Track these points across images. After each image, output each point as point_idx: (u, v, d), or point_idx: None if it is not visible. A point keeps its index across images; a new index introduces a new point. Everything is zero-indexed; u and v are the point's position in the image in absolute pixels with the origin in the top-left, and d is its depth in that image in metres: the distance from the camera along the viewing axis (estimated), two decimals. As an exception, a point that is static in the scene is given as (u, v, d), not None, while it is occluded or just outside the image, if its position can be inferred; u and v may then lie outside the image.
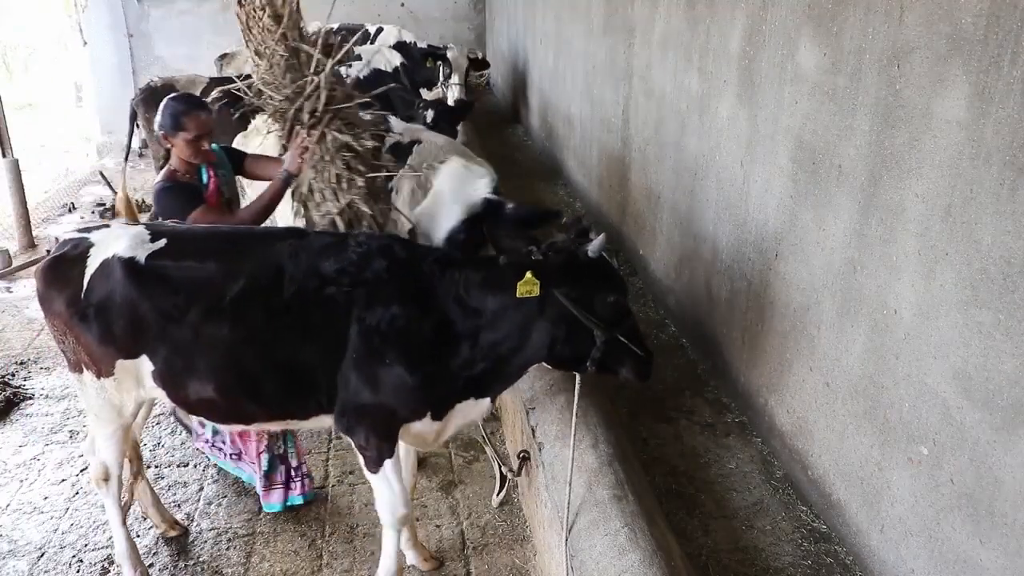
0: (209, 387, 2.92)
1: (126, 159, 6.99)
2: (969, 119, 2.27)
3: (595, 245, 2.72)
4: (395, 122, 4.75)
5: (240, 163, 3.86)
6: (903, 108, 2.56)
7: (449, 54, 8.47)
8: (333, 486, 4.08)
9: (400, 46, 8.78)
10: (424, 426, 2.98)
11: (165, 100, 3.51)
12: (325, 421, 3.03)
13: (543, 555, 3.35)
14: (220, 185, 3.61)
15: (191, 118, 3.42)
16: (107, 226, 3.16)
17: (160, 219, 3.43)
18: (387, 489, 3.00)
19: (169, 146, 3.47)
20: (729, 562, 3.08)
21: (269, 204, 3.55)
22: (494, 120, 11.17)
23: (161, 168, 3.60)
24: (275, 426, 3.46)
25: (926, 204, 2.48)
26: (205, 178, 3.58)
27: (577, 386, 2.99)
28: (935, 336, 2.48)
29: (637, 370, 2.87)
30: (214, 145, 3.63)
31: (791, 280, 3.36)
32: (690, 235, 4.53)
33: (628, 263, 5.76)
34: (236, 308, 2.86)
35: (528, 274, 2.69)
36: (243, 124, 5.19)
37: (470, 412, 3.06)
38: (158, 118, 3.47)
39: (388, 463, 2.96)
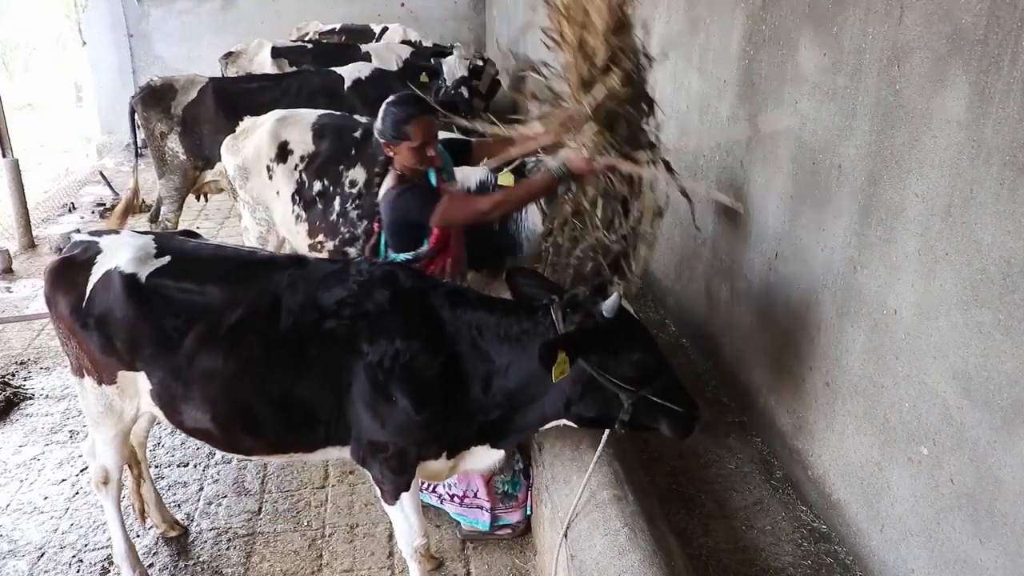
0: (206, 417, 2.85)
1: (136, 159, 6.94)
2: (969, 119, 2.27)
3: (609, 305, 2.54)
4: None
5: (466, 152, 3.53)
6: (903, 108, 2.56)
7: (455, 52, 8.44)
8: (333, 486, 4.08)
9: (406, 44, 8.77)
10: (439, 464, 2.92)
11: (385, 106, 3.21)
12: (333, 454, 2.97)
13: (543, 555, 3.36)
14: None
15: (415, 125, 3.11)
16: (117, 232, 3.13)
17: (389, 228, 3.23)
18: (404, 521, 2.97)
19: (392, 155, 3.21)
20: (729, 562, 3.08)
21: (531, 196, 3.24)
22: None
23: (380, 176, 3.32)
24: (279, 459, 3.37)
25: (926, 204, 2.48)
26: (434, 183, 3.31)
27: (603, 439, 2.87)
28: (935, 336, 2.48)
29: (675, 428, 2.66)
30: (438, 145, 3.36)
31: (791, 280, 3.36)
32: (690, 235, 4.53)
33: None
34: (232, 338, 2.78)
35: (560, 355, 2.49)
36: (234, 124, 5.12)
37: (483, 459, 2.96)
38: (378, 124, 3.19)
39: (405, 496, 2.92)
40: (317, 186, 4.50)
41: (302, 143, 4.61)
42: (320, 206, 4.50)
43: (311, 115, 4.75)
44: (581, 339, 2.56)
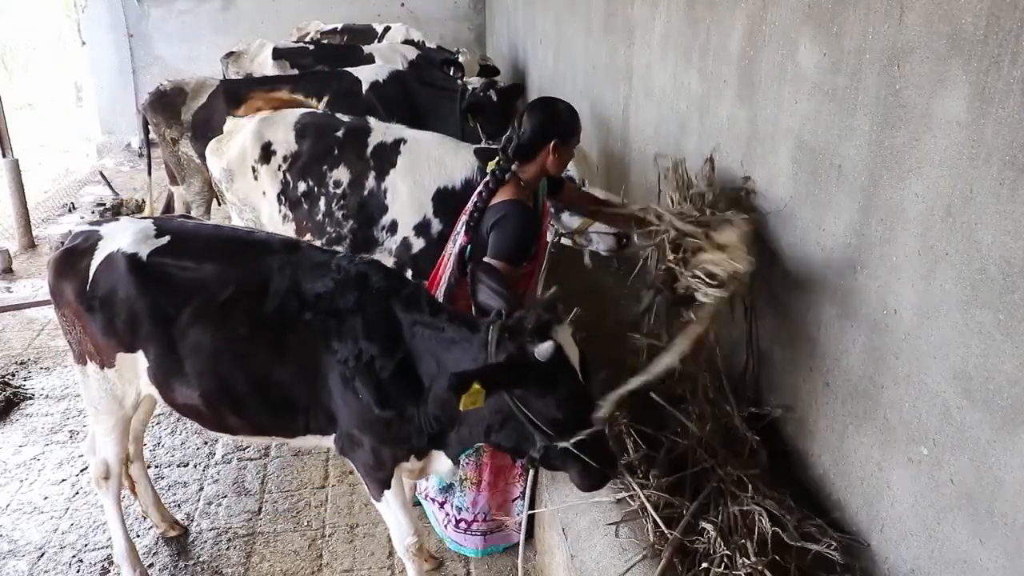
0: (194, 393, 2.92)
1: (149, 173, 6.90)
2: (969, 119, 2.27)
3: (543, 350, 2.46)
4: (374, 122, 4.69)
5: (558, 186, 3.54)
6: (903, 108, 2.56)
7: (461, 58, 8.48)
8: (333, 486, 4.08)
9: (409, 44, 8.76)
10: (410, 464, 2.95)
11: (555, 105, 3.22)
12: (312, 441, 3.01)
13: (543, 555, 3.36)
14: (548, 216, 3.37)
15: (579, 125, 3.15)
16: (116, 219, 3.21)
17: (492, 235, 3.16)
18: (393, 519, 3.01)
19: (552, 156, 3.14)
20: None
21: None
22: (494, 120, 11.15)
23: (492, 186, 3.24)
24: (262, 440, 3.39)
25: (926, 204, 2.48)
26: (540, 201, 3.31)
27: (529, 480, 2.88)
28: (935, 336, 2.48)
29: (582, 479, 2.64)
30: None
31: (791, 280, 3.36)
32: (690, 235, 4.52)
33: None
34: (222, 315, 2.84)
35: (475, 386, 2.41)
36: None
37: (440, 464, 2.97)
38: (549, 122, 3.13)
39: (388, 493, 2.95)
40: (302, 186, 4.52)
41: (285, 143, 4.61)
42: (306, 206, 4.53)
43: (293, 114, 4.77)
44: (504, 375, 2.50)
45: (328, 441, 2.98)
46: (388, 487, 2.95)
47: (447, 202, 4.19)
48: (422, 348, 2.76)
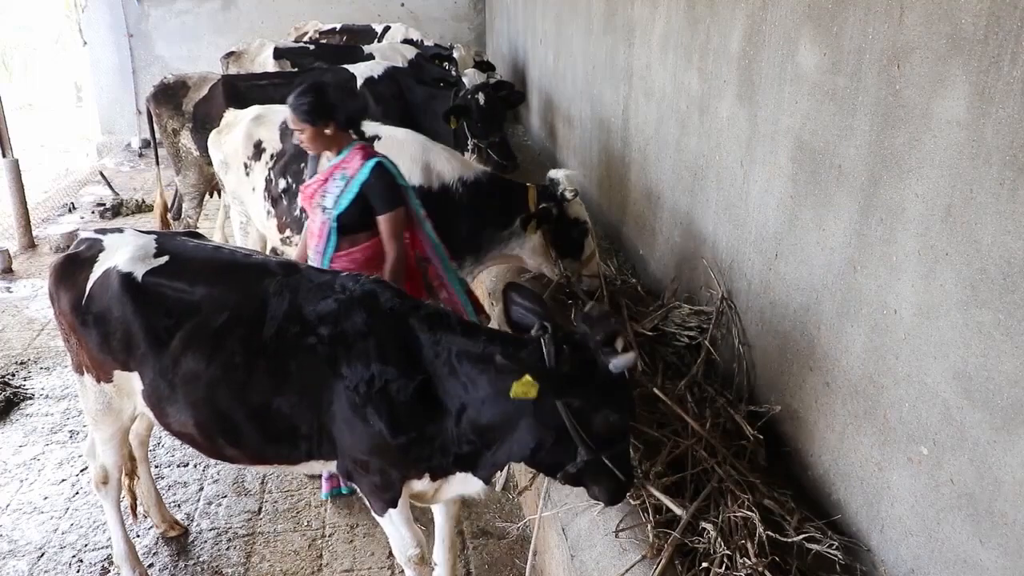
0: (189, 421, 2.83)
1: (157, 163, 6.94)
2: (969, 119, 2.27)
3: (620, 362, 2.43)
4: None
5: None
6: (903, 108, 2.56)
7: (455, 54, 8.46)
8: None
9: (408, 43, 8.77)
10: (423, 485, 2.86)
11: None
12: (316, 467, 2.96)
13: (543, 555, 3.36)
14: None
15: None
16: (120, 231, 3.15)
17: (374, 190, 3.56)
18: (395, 532, 2.95)
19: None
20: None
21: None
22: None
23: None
24: (264, 468, 3.34)
25: (926, 204, 2.48)
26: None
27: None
28: (935, 336, 2.48)
29: (608, 493, 2.63)
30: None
31: (791, 280, 3.36)
32: (690, 235, 4.53)
33: (628, 263, 5.75)
34: (216, 341, 2.76)
35: (527, 376, 2.41)
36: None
37: (466, 485, 2.88)
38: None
39: (392, 511, 2.88)
40: (282, 183, 4.65)
41: (271, 141, 4.75)
42: (285, 202, 4.64)
43: (280, 113, 4.85)
44: (568, 376, 2.47)
45: (333, 465, 2.90)
46: (393, 506, 2.87)
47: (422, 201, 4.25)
48: (448, 369, 2.65)
